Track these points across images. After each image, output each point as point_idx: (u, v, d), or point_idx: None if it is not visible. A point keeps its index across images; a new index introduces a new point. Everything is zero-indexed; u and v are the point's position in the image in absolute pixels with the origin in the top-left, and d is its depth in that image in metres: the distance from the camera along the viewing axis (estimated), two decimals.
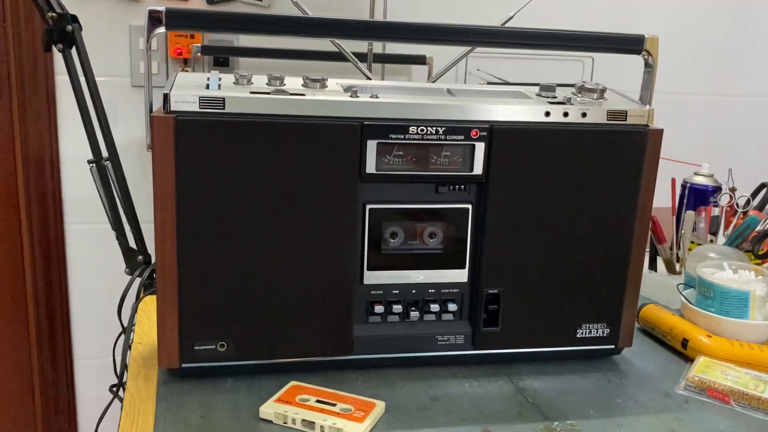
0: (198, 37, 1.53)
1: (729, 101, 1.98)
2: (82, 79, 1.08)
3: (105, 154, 1.09)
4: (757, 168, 1.98)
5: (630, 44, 0.83)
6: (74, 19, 1.06)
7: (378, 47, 1.62)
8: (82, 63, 1.07)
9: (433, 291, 0.84)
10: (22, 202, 1.55)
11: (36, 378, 1.64)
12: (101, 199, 1.09)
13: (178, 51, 1.52)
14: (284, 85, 0.79)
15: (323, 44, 1.50)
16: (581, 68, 1.81)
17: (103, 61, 1.50)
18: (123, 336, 1.02)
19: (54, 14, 1.04)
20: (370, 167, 0.78)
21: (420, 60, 1.61)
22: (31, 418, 1.66)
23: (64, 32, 1.05)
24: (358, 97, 0.77)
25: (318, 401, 0.74)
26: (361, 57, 1.47)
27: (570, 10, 1.80)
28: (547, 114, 0.81)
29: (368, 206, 0.80)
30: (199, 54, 1.50)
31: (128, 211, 1.10)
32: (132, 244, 1.12)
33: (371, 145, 0.77)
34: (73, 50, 1.08)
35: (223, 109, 0.73)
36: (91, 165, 1.08)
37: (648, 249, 1.18)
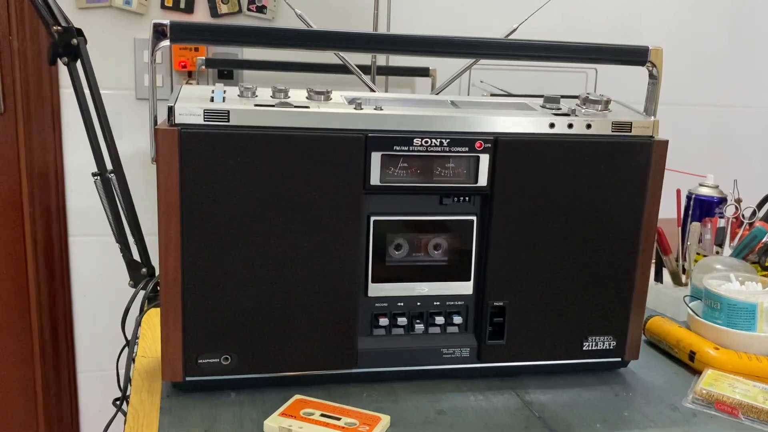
0: (202, 50, 1.53)
1: (733, 112, 1.98)
2: (87, 92, 1.08)
3: (109, 166, 1.09)
4: (763, 179, 1.98)
5: (634, 56, 0.83)
6: (79, 32, 1.06)
7: (381, 59, 1.62)
8: (87, 76, 1.07)
9: (437, 303, 0.84)
10: (26, 215, 1.55)
11: (39, 391, 1.63)
12: (105, 211, 1.09)
13: (182, 64, 1.52)
14: (289, 97, 0.79)
15: (327, 57, 1.50)
16: (585, 79, 1.81)
17: (107, 74, 1.51)
18: (126, 349, 1.01)
19: (59, 28, 1.04)
20: (375, 179, 0.77)
21: (423, 72, 1.62)
22: (34, 431, 1.66)
23: (69, 46, 1.05)
24: (362, 109, 0.77)
25: (322, 415, 0.74)
26: (365, 69, 1.48)
27: (573, 21, 1.81)
28: (552, 125, 0.80)
29: (372, 218, 0.80)
30: (203, 67, 1.51)
31: (132, 223, 1.09)
32: (136, 256, 1.12)
33: (375, 157, 0.77)
34: (78, 64, 1.08)
35: (228, 121, 0.73)
36: (95, 177, 1.08)
37: (653, 261, 1.18)
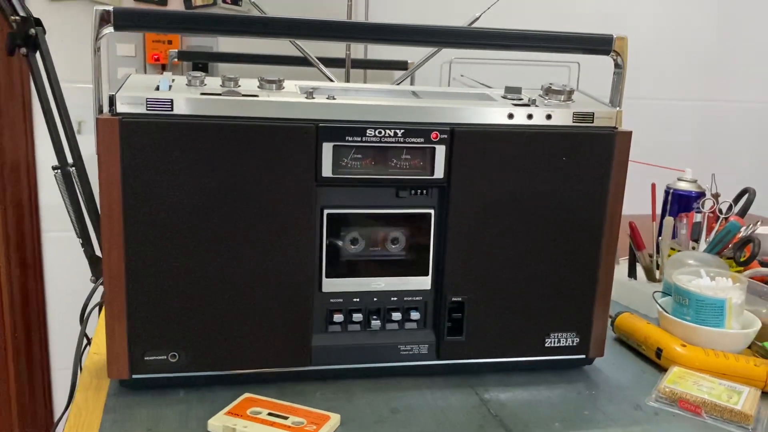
0: (176, 42, 1.51)
1: (717, 106, 1.96)
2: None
3: (70, 160, 1.07)
4: (744, 173, 1.95)
5: (598, 44, 0.81)
6: (38, 22, 1.04)
7: (360, 53, 1.60)
8: (46, 67, 1.05)
9: (395, 299, 0.81)
10: None
11: (12, 387, 1.61)
12: (66, 205, 1.07)
13: (155, 57, 1.50)
14: (239, 86, 0.77)
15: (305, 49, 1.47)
16: (567, 73, 1.79)
17: (79, 67, 1.48)
18: (86, 345, 0.99)
19: (17, 17, 1.02)
20: (327, 171, 0.75)
21: (401, 65, 1.59)
22: (7, 428, 1.64)
23: (28, 36, 1.03)
24: (314, 98, 0.75)
25: (270, 414, 0.71)
26: (341, 62, 1.45)
27: (559, 16, 1.79)
28: (511, 116, 0.78)
29: (326, 211, 0.77)
30: (176, 59, 1.48)
31: (93, 217, 1.07)
32: (98, 251, 1.09)
33: (327, 148, 0.74)
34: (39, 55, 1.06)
35: (171, 110, 0.71)
36: (55, 171, 1.06)
37: (628, 256, 1.16)
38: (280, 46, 1.50)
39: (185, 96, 0.71)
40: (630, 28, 1.82)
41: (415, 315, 0.82)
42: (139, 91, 0.71)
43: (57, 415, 1.66)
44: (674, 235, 1.15)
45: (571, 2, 1.80)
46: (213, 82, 0.77)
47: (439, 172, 0.77)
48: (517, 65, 1.72)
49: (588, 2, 1.81)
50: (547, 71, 1.76)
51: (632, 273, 1.14)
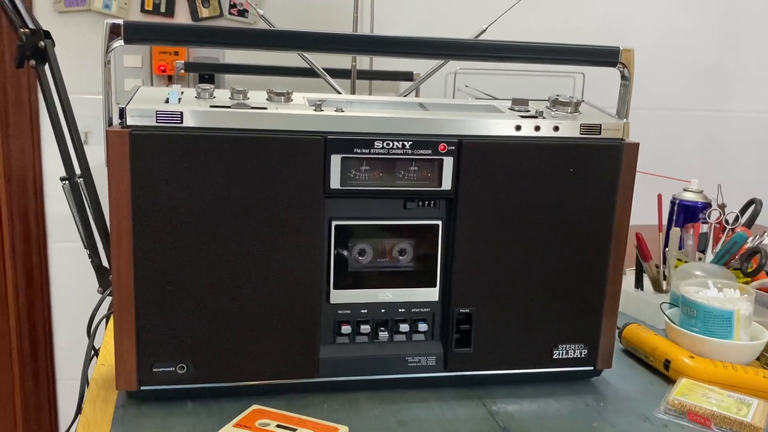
0: (182, 54, 1.52)
1: (722, 117, 1.95)
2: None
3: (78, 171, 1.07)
4: (751, 184, 1.95)
5: (605, 56, 0.81)
6: (47, 35, 1.04)
7: (365, 64, 1.61)
8: (55, 79, 1.05)
9: (402, 310, 0.81)
10: (4, 220, 1.53)
11: (18, 399, 1.61)
12: (73, 216, 1.07)
13: (162, 68, 1.51)
14: (248, 98, 0.77)
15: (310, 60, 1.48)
16: (572, 84, 1.79)
17: (86, 78, 1.49)
18: (93, 356, 1.00)
19: (26, 30, 1.03)
20: (335, 182, 0.75)
21: (407, 76, 1.59)
22: None
23: (37, 48, 1.03)
24: (322, 110, 0.75)
25: (278, 426, 0.71)
26: (347, 73, 1.46)
27: (561, 27, 1.79)
28: (518, 128, 0.78)
29: (334, 222, 0.78)
30: (182, 71, 1.49)
31: (101, 228, 1.07)
32: (105, 262, 1.09)
33: (335, 160, 0.75)
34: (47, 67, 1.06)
35: (181, 123, 0.71)
36: (63, 182, 1.06)
37: (634, 267, 1.15)
38: (287, 58, 1.51)
39: (195, 108, 0.72)
40: (634, 39, 1.83)
41: (422, 326, 0.82)
42: (148, 103, 0.72)
43: (62, 426, 1.65)
44: (681, 246, 1.15)
45: (575, 14, 1.80)
46: (222, 95, 0.78)
47: (446, 184, 0.78)
48: (521, 75, 1.73)
49: (592, 13, 1.81)
50: (551, 81, 1.77)
51: (639, 284, 1.13)
